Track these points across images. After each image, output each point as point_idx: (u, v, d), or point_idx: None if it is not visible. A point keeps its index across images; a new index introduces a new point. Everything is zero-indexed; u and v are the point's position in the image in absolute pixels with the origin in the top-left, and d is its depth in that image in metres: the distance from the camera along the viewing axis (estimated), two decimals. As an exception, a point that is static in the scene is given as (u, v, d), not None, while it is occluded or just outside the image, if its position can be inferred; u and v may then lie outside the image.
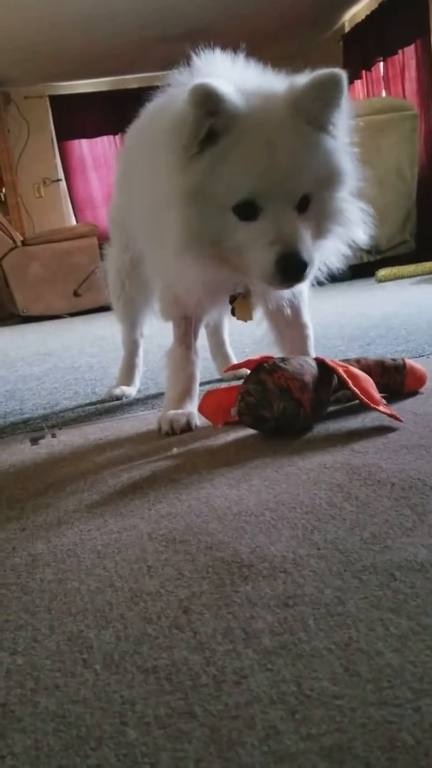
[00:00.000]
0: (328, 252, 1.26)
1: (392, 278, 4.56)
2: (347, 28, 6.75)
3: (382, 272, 4.60)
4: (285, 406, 1.18)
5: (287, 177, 1.10)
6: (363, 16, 6.34)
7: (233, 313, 1.36)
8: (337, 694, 0.53)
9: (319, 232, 1.19)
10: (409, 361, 1.39)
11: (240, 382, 1.26)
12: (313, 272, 1.19)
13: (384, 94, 6.27)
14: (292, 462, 1.06)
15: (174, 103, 1.22)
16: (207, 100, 1.07)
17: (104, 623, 0.67)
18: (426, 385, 1.40)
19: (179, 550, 0.81)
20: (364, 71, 6.54)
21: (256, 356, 1.25)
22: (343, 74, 1.10)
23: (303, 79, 1.13)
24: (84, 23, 5.82)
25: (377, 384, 1.34)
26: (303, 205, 1.13)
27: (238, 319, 1.39)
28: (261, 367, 1.21)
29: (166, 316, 1.48)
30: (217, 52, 1.23)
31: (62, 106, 7.34)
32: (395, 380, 1.37)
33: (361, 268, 4.83)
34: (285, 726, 0.50)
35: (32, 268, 5.76)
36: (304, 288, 1.45)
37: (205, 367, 1.97)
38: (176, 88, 1.27)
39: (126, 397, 1.82)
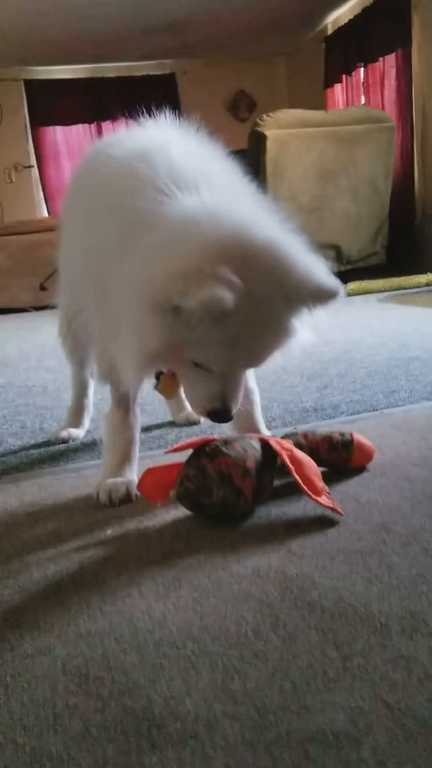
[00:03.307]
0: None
1: (361, 292, 4.57)
2: (330, 31, 6.67)
3: (351, 286, 4.59)
4: (225, 495, 1.14)
5: (255, 361, 1.16)
6: (346, 20, 6.27)
7: (155, 387, 1.32)
8: None
9: None
10: (357, 436, 1.36)
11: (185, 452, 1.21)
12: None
13: (363, 100, 6.22)
14: (226, 564, 1.03)
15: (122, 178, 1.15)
16: (215, 313, 1.00)
17: (-5, 804, 0.62)
18: (373, 459, 1.38)
19: (91, 692, 0.76)
20: (344, 75, 6.48)
21: (198, 438, 1.20)
22: (342, 293, 1.09)
23: (300, 265, 1.07)
24: (65, 9, 5.66)
25: (324, 461, 1.32)
26: None
27: (159, 393, 1.35)
28: (202, 451, 1.17)
29: (104, 380, 1.42)
30: (169, 120, 1.16)
31: (38, 91, 7.13)
32: (342, 457, 1.34)
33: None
34: None
35: (-2, 259, 5.62)
36: None
37: (158, 409, 1.93)
38: (120, 149, 1.19)
39: (73, 440, 1.77)
